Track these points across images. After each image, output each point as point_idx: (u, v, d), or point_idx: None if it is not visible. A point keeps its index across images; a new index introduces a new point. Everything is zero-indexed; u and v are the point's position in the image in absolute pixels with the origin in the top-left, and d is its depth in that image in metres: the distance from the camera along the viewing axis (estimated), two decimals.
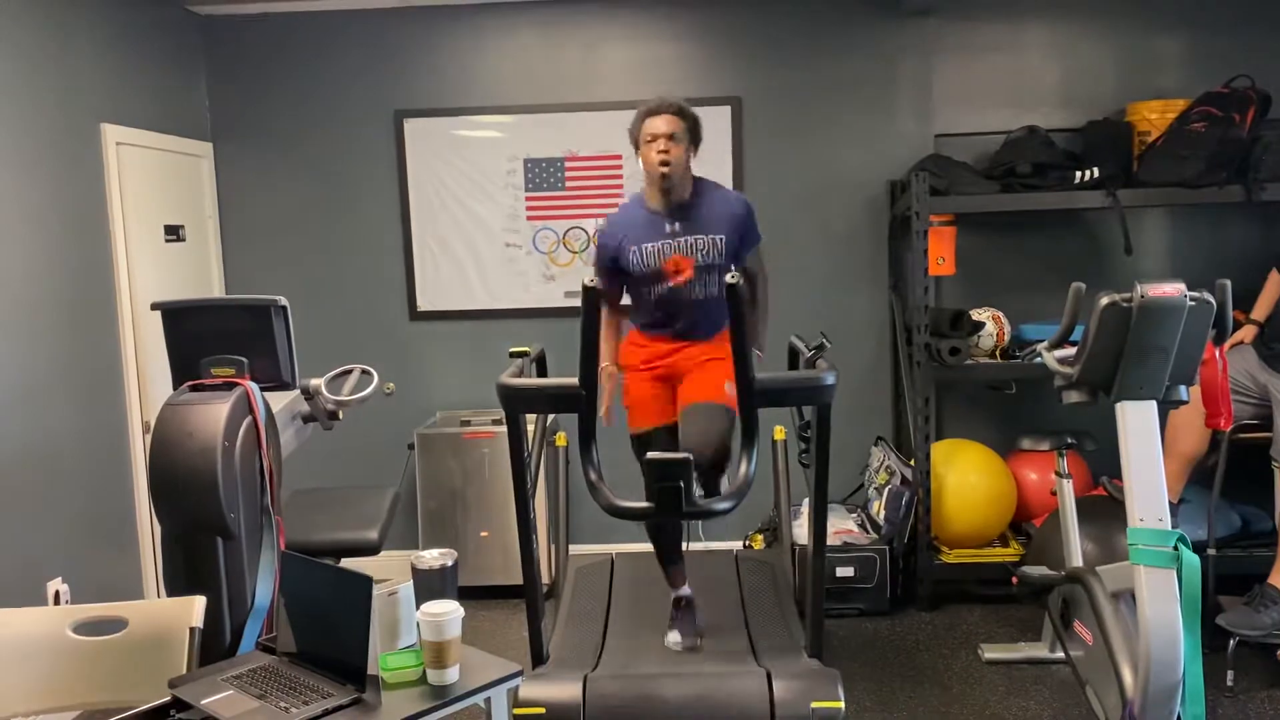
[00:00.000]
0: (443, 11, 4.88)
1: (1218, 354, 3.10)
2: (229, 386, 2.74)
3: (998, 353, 4.47)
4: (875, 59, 4.82)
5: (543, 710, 2.79)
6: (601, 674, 2.93)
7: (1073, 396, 2.97)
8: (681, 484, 2.60)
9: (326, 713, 1.94)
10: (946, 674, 3.83)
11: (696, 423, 3.01)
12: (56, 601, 3.67)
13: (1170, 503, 2.84)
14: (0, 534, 3.48)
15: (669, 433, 3.17)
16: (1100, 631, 2.98)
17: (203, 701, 1.99)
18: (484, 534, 4.70)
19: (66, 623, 2.31)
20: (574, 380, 2.66)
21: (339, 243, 5.04)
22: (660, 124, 3.01)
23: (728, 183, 4.81)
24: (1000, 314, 4.50)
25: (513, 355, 3.33)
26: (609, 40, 4.88)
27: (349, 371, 3.47)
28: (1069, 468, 3.65)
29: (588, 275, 2.72)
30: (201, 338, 2.86)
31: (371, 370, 3.43)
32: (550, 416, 4.23)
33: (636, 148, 3.09)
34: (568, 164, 4.93)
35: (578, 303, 2.72)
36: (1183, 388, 2.86)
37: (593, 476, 2.75)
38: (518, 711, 2.76)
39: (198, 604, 2.31)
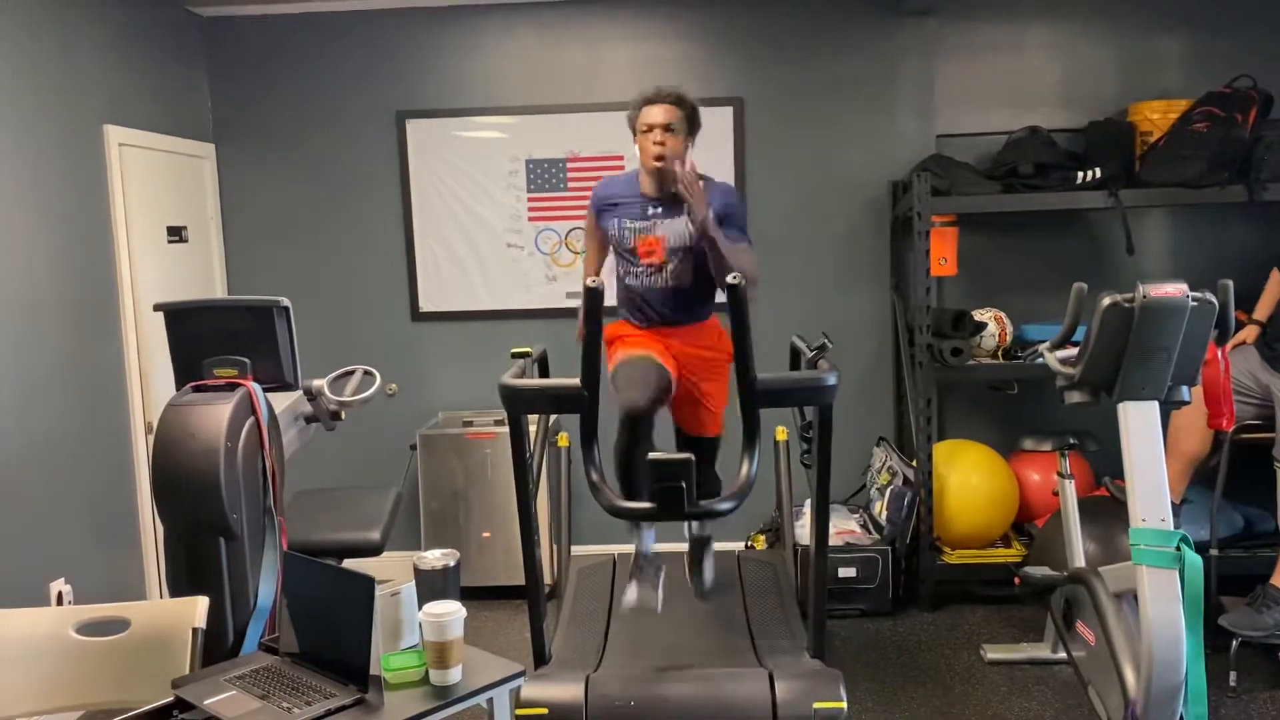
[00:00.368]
0: (444, 12, 4.88)
1: (1220, 354, 3.09)
2: (231, 387, 2.74)
3: (1000, 353, 4.47)
4: (876, 59, 4.82)
5: (545, 711, 2.79)
6: (604, 674, 2.93)
7: (1075, 397, 2.97)
8: (683, 484, 2.60)
9: (329, 713, 1.94)
10: (949, 674, 3.83)
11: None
12: (59, 602, 3.67)
13: (1172, 503, 2.84)
14: (3, 534, 3.48)
15: (653, 360, 3.01)
16: (1103, 632, 2.98)
17: (205, 702, 1.99)
18: (486, 534, 4.70)
19: (69, 623, 2.32)
20: (576, 381, 2.66)
21: (341, 243, 5.05)
22: (657, 114, 3.01)
23: (730, 183, 4.81)
24: (1002, 314, 4.50)
25: (514, 356, 3.33)
26: (610, 41, 4.88)
27: (351, 372, 3.47)
28: (1071, 468, 3.65)
29: (591, 278, 2.71)
30: (204, 338, 2.86)
31: (374, 371, 3.43)
32: (552, 417, 4.23)
33: (634, 134, 3.10)
34: (569, 164, 4.93)
35: (579, 303, 2.72)
36: (1185, 388, 2.86)
37: (595, 477, 2.75)
38: (520, 712, 2.76)
39: (200, 604, 2.31)
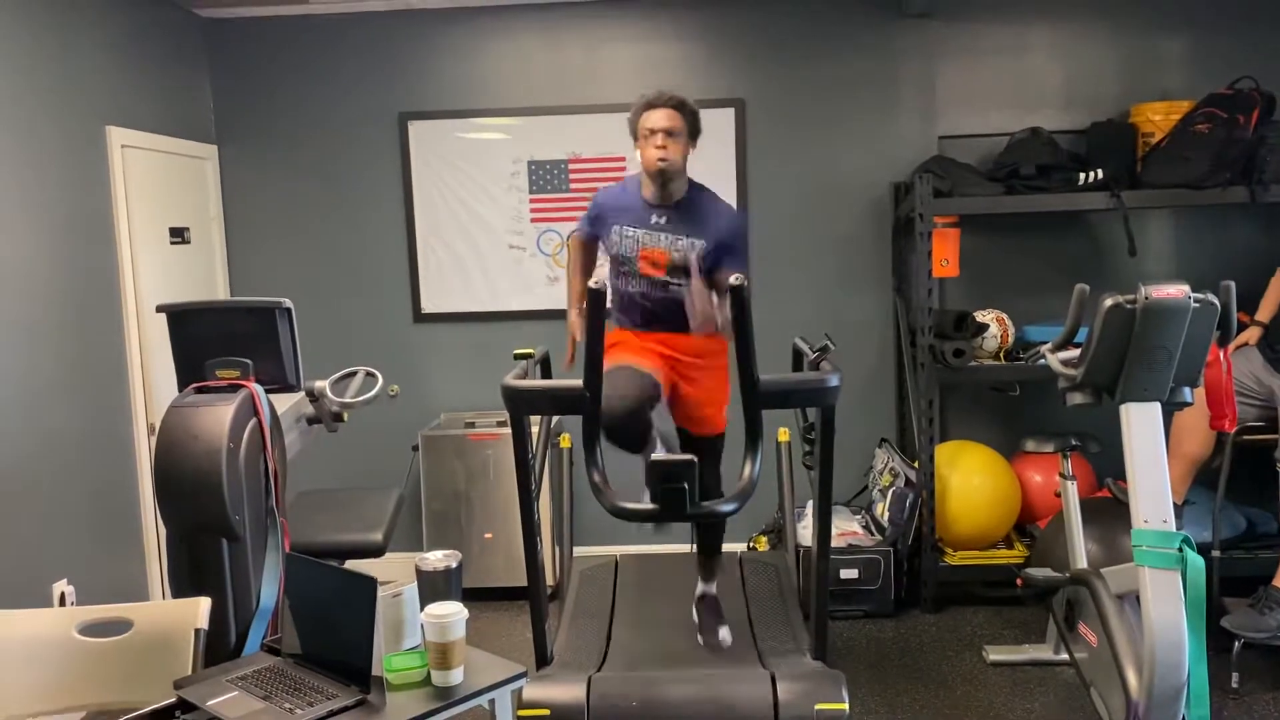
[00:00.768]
0: (446, 14, 4.89)
1: (1222, 356, 3.09)
2: (234, 388, 2.74)
3: (1002, 354, 4.47)
4: (878, 61, 4.82)
5: (547, 711, 2.79)
6: (605, 675, 2.93)
7: (1077, 398, 2.97)
8: (686, 485, 2.60)
9: (331, 714, 1.94)
10: (951, 676, 3.83)
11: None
12: (62, 603, 3.68)
13: (1175, 505, 2.84)
14: (6, 535, 3.49)
15: (643, 370, 2.95)
16: (1105, 633, 2.98)
17: (208, 702, 1.99)
18: (488, 535, 4.70)
19: (72, 624, 2.32)
20: (578, 382, 2.66)
21: (343, 245, 5.05)
22: (659, 118, 2.96)
23: (731, 185, 4.82)
24: (1004, 316, 4.50)
25: (517, 357, 3.33)
26: (611, 42, 4.89)
27: (353, 373, 3.48)
28: (1073, 469, 3.65)
29: (593, 279, 2.71)
30: (206, 340, 2.87)
31: (376, 372, 3.43)
32: (554, 418, 4.23)
33: (635, 139, 3.05)
34: (571, 166, 4.94)
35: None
36: (1187, 389, 2.86)
37: (597, 478, 2.74)
38: (522, 713, 2.76)
39: (203, 605, 2.31)
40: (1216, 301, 2.76)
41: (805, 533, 4.35)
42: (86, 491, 3.93)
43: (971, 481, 4.43)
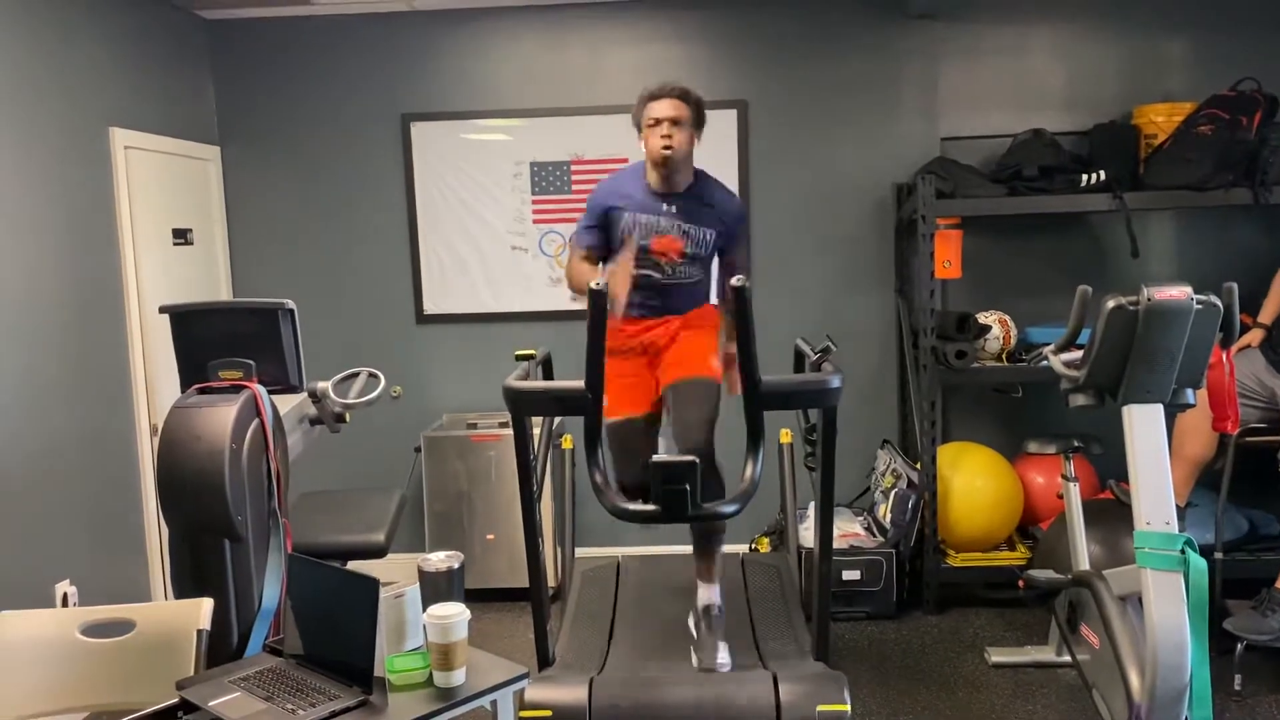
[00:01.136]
0: (448, 15, 4.89)
1: (1225, 358, 3.09)
2: (236, 389, 2.75)
3: (1004, 356, 4.46)
4: (881, 62, 4.82)
5: (549, 713, 2.79)
6: (607, 676, 2.93)
7: (1079, 400, 2.96)
8: (688, 487, 2.60)
9: (333, 715, 1.94)
10: (953, 677, 3.83)
11: (686, 409, 2.96)
12: (65, 603, 3.68)
13: (1177, 506, 2.83)
14: (9, 536, 3.49)
15: (647, 422, 3.10)
16: (1107, 635, 2.98)
17: (210, 703, 1.99)
18: (490, 537, 4.71)
19: (75, 625, 2.32)
20: (580, 383, 2.66)
21: (346, 246, 5.06)
22: (664, 108, 2.99)
23: (734, 186, 4.81)
24: (1006, 317, 4.50)
25: (519, 358, 3.33)
26: (614, 44, 4.89)
27: (356, 374, 3.48)
28: (1076, 471, 3.64)
29: (595, 279, 2.71)
30: (209, 341, 2.87)
31: (378, 373, 3.43)
32: (556, 419, 4.23)
33: (639, 130, 3.06)
34: (573, 167, 4.94)
35: (583, 305, 2.72)
36: (1190, 391, 2.85)
37: (599, 479, 2.75)
38: (523, 714, 2.76)
39: (205, 606, 2.32)
40: (1219, 303, 2.76)
41: (807, 534, 4.35)
42: (89, 492, 3.94)
43: (974, 483, 4.43)
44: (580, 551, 4.36)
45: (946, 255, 4.33)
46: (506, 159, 4.96)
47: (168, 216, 4.56)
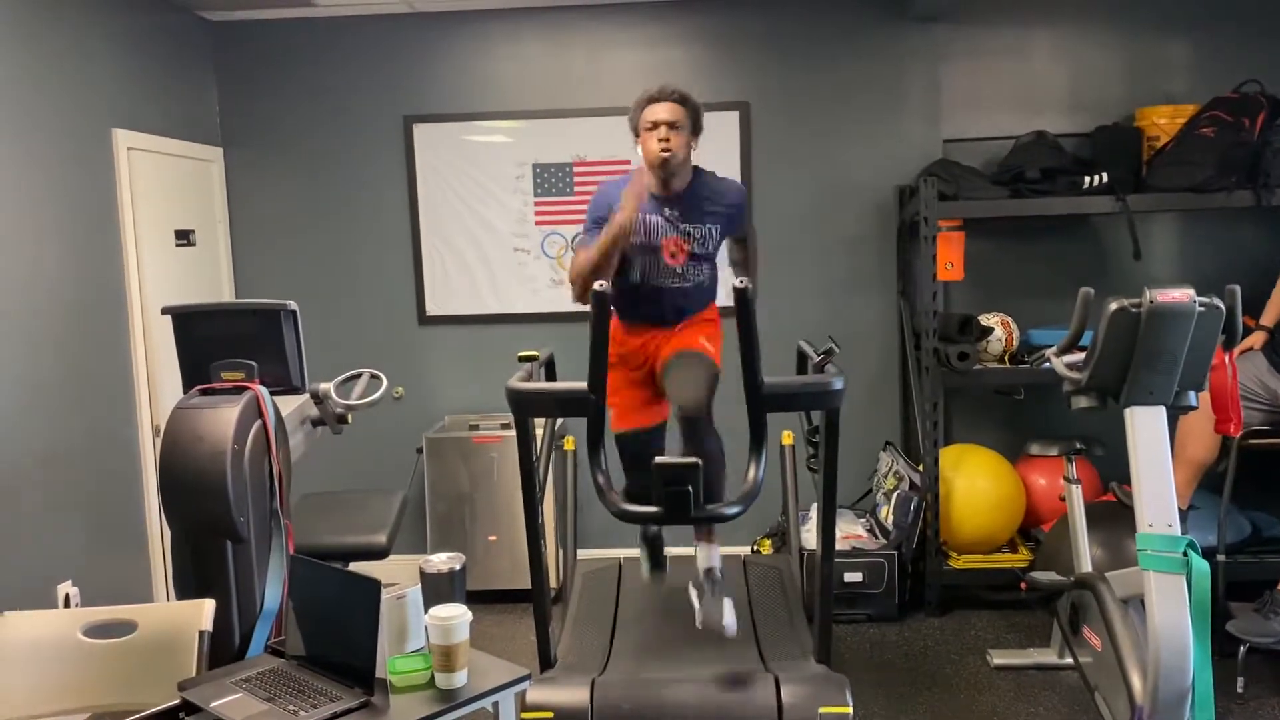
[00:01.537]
0: (451, 17, 4.90)
1: (1228, 360, 3.09)
2: (239, 390, 2.75)
3: (1006, 358, 4.46)
4: (883, 64, 4.82)
5: (550, 714, 2.79)
6: (609, 678, 2.93)
7: (1081, 402, 2.96)
8: (690, 488, 2.60)
9: (335, 716, 1.94)
10: (955, 679, 3.82)
11: (682, 371, 2.95)
12: (67, 604, 3.68)
13: (1180, 509, 2.83)
14: (11, 537, 3.49)
15: (656, 433, 3.16)
16: (1109, 637, 2.97)
17: (212, 704, 2.00)
18: (492, 538, 4.71)
19: (77, 625, 2.32)
20: (582, 385, 2.66)
21: (348, 247, 5.06)
22: (661, 111, 2.97)
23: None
24: (1009, 319, 4.50)
25: (521, 359, 3.34)
26: (616, 45, 4.89)
27: (358, 376, 3.47)
28: (1078, 473, 3.64)
29: (596, 282, 2.71)
30: (211, 342, 2.87)
31: (380, 375, 3.43)
32: (559, 421, 4.23)
33: (636, 135, 3.04)
34: (576, 169, 4.94)
35: (586, 307, 2.72)
36: (1192, 393, 2.85)
37: (601, 481, 2.75)
38: (525, 716, 2.76)
39: (207, 607, 2.32)
40: (1222, 305, 2.76)
41: (809, 536, 4.34)
42: (91, 493, 3.94)
43: (976, 485, 4.42)
44: (582, 553, 4.36)
45: (949, 257, 4.33)
46: (508, 160, 4.97)
47: (170, 218, 4.56)
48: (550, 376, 3.69)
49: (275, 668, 2.17)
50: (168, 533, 2.76)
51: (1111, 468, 4.16)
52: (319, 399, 3.23)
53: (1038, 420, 4.74)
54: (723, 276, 3.23)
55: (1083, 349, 3.00)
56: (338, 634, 2.09)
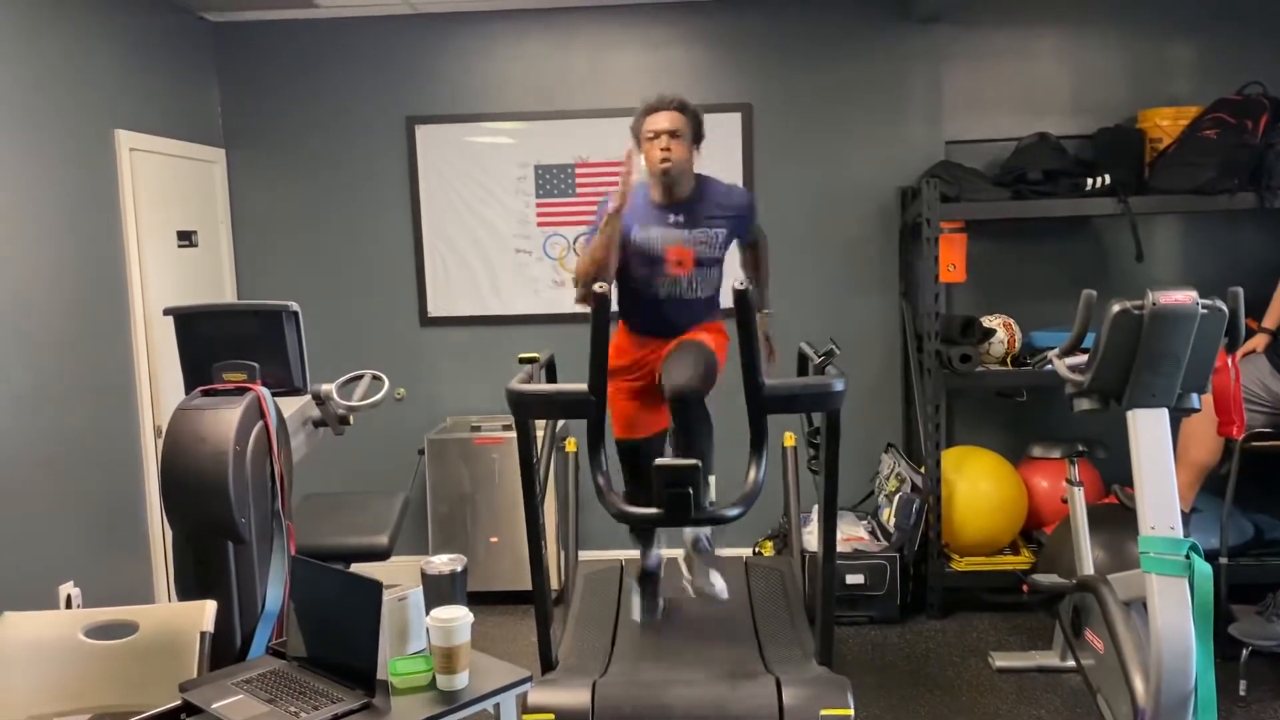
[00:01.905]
0: (453, 18, 4.90)
1: (1230, 362, 3.08)
2: (240, 391, 2.75)
3: (1008, 360, 4.46)
4: (885, 65, 4.82)
5: (552, 716, 2.79)
6: (610, 680, 2.93)
7: (1084, 404, 2.96)
8: (691, 490, 2.59)
9: (336, 718, 1.94)
10: (957, 682, 3.82)
11: (678, 353, 2.96)
12: (68, 605, 3.69)
13: (1182, 511, 2.82)
14: (13, 537, 3.50)
15: (657, 442, 3.19)
16: (1112, 640, 2.97)
17: (213, 705, 2.00)
18: (493, 539, 4.70)
19: (78, 626, 2.32)
20: (583, 386, 2.66)
21: (350, 248, 5.06)
22: (662, 120, 3.00)
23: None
24: (1011, 321, 4.49)
25: (522, 361, 3.33)
26: (619, 47, 4.89)
27: (360, 377, 3.47)
28: (1080, 475, 3.64)
29: (597, 284, 2.71)
30: (213, 343, 2.87)
31: (382, 376, 3.43)
32: (560, 422, 4.23)
33: (639, 143, 3.07)
34: (578, 170, 4.94)
35: (587, 308, 2.72)
36: (1195, 396, 2.85)
37: (601, 482, 2.75)
38: (527, 717, 2.76)
39: (208, 608, 2.32)
40: (1224, 308, 2.75)
41: (810, 538, 4.34)
42: (93, 493, 3.94)
43: (978, 487, 4.42)
44: (583, 554, 4.36)
45: (951, 259, 4.33)
46: (511, 162, 4.97)
47: (172, 219, 4.57)
48: (551, 378, 3.69)
49: (276, 669, 2.17)
50: (169, 533, 2.76)
51: (1114, 470, 4.16)
52: (321, 400, 3.23)
53: (1040, 422, 4.74)
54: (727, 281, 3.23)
55: (1085, 351, 3.00)
56: (339, 635, 2.09)
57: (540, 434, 3.77)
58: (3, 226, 3.51)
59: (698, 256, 3.08)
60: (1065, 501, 3.68)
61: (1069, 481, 3.64)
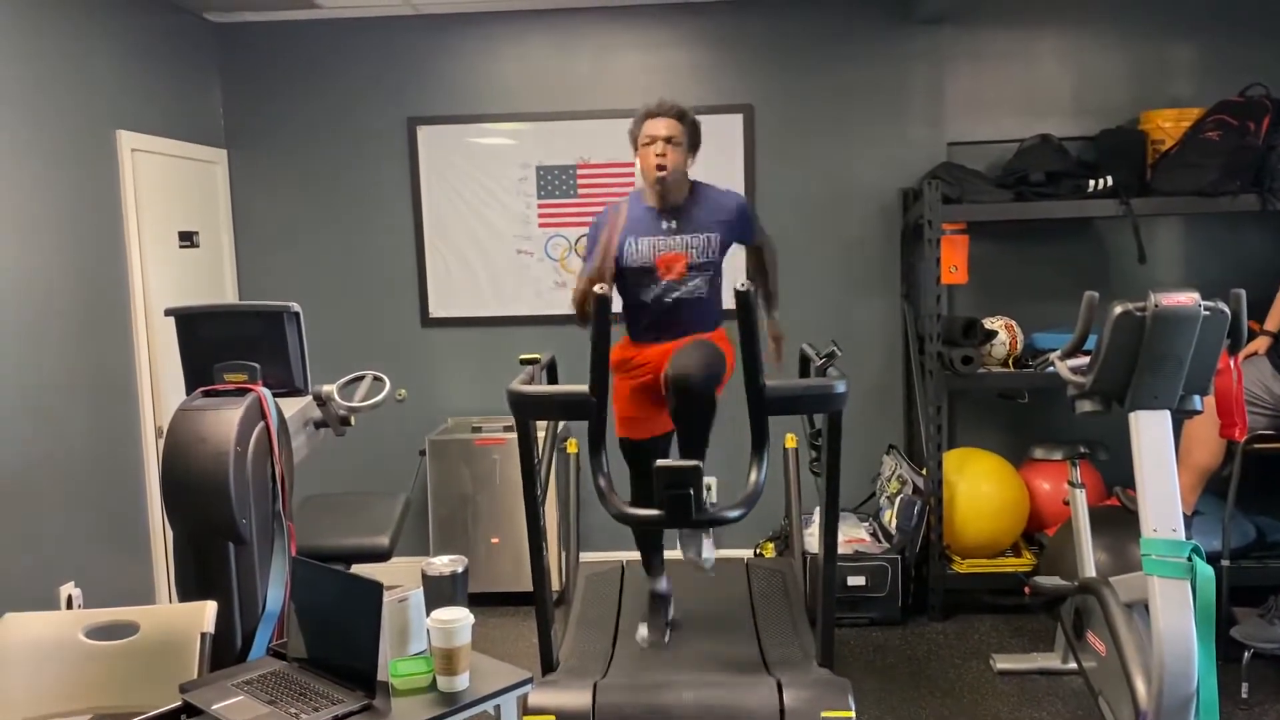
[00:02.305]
0: (455, 19, 4.90)
1: (1232, 364, 3.08)
2: (242, 392, 2.74)
3: (1010, 361, 4.45)
4: (887, 66, 4.81)
5: (553, 717, 2.79)
6: (611, 681, 2.93)
7: (1086, 406, 2.95)
8: (691, 491, 2.59)
9: (336, 719, 1.94)
10: (958, 684, 3.81)
11: (688, 351, 2.90)
12: (69, 605, 3.69)
13: (1184, 514, 2.82)
14: (14, 538, 3.50)
15: (661, 443, 3.20)
16: (1113, 642, 2.97)
17: (213, 706, 1.99)
18: (494, 540, 4.70)
19: (79, 627, 2.32)
20: (584, 388, 2.66)
21: (352, 249, 5.06)
22: (659, 127, 3.01)
23: (740, 190, 4.81)
24: (1013, 323, 4.49)
25: (523, 362, 3.33)
26: (620, 48, 4.89)
27: (361, 378, 3.47)
28: (1082, 477, 3.64)
29: (598, 285, 2.71)
30: (215, 343, 2.87)
31: (383, 376, 3.43)
32: (561, 423, 4.23)
33: (635, 147, 3.09)
34: (579, 171, 4.94)
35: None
36: (1197, 398, 2.84)
37: (603, 483, 2.74)
38: (527, 719, 2.76)
39: (209, 609, 2.32)
40: (1227, 309, 2.75)
41: (812, 539, 4.34)
42: (94, 494, 3.94)
43: (980, 489, 4.41)
44: (584, 556, 4.36)
45: (953, 260, 4.33)
46: (512, 163, 4.97)
47: (174, 219, 4.57)
48: (552, 379, 3.68)
49: (277, 670, 2.16)
50: (170, 534, 2.76)
51: (1116, 472, 4.16)
52: (322, 401, 3.23)
53: (1042, 424, 4.73)
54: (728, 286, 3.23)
55: (1087, 353, 2.99)
56: (339, 636, 2.09)
57: (541, 435, 3.77)
58: (4, 227, 3.51)
59: (691, 262, 3.07)
60: (1067, 503, 3.67)
61: (1071, 483, 3.64)
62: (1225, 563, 3.77)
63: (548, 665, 3.05)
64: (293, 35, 4.95)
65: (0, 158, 3.50)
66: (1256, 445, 3.82)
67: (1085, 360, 2.98)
